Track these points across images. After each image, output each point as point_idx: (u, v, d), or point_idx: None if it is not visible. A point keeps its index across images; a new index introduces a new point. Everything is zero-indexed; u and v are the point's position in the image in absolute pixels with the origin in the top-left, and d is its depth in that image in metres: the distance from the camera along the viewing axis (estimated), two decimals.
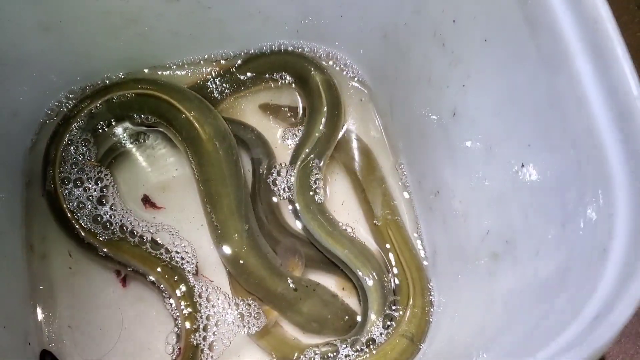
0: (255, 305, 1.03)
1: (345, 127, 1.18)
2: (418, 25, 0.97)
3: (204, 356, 0.99)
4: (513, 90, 0.75)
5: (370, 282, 1.04)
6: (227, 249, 1.04)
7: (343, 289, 1.09)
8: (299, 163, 1.11)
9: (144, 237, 1.06)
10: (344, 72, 1.22)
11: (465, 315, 0.93)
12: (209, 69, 1.20)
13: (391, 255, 1.09)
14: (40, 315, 1.04)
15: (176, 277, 1.02)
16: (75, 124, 1.08)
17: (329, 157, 1.14)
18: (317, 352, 1.00)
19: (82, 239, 1.03)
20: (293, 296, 1.03)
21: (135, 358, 1.04)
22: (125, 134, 1.14)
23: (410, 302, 1.02)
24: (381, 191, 1.14)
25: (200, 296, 1.02)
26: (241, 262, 1.03)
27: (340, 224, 1.10)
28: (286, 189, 1.12)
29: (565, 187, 0.67)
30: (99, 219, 1.05)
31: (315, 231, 1.08)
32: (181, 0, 1.04)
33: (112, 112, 1.11)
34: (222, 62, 1.20)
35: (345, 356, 0.99)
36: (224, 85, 1.18)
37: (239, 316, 1.02)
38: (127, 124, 1.13)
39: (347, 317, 1.06)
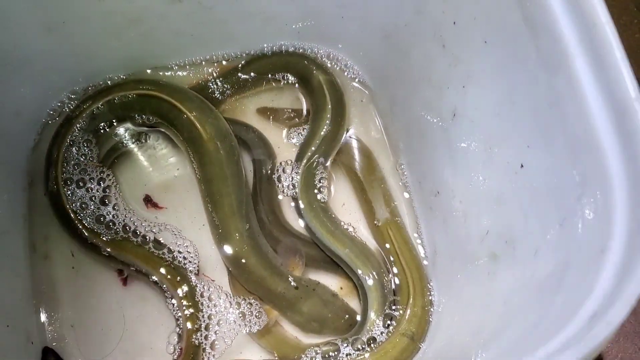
0: (256, 304, 1.03)
1: (348, 126, 1.19)
2: (418, 26, 0.97)
3: (205, 355, 1.00)
4: (513, 91, 0.76)
5: (370, 282, 1.05)
6: (227, 248, 1.05)
7: (341, 288, 1.09)
8: (304, 161, 1.12)
9: (147, 237, 1.06)
10: (345, 73, 1.22)
11: (465, 314, 0.93)
12: (210, 70, 1.20)
13: (391, 255, 1.09)
14: (42, 314, 1.04)
15: (179, 278, 1.03)
16: (77, 125, 1.09)
17: (334, 156, 1.15)
18: (318, 351, 1.00)
19: (85, 239, 1.04)
20: (293, 296, 1.04)
21: (137, 357, 1.04)
22: (126, 134, 1.15)
23: (411, 302, 1.03)
24: (381, 191, 1.15)
25: (202, 295, 1.03)
26: (242, 261, 1.04)
27: (342, 223, 1.11)
28: (290, 186, 1.13)
29: (564, 187, 0.67)
30: (102, 219, 1.06)
31: (317, 229, 1.08)
32: (183, 0, 1.04)
33: (114, 112, 1.11)
34: (224, 62, 1.21)
35: (347, 355, 1.00)
36: (226, 85, 1.19)
37: (240, 315, 1.02)
38: (129, 125, 1.14)
39: (347, 316, 1.06)
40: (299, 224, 1.13)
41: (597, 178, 0.61)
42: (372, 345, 1.00)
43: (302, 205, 1.10)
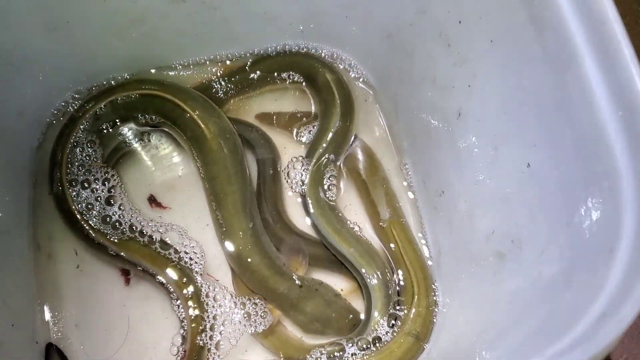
0: (261, 304, 1.03)
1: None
2: (423, 26, 0.97)
3: (210, 355, 1.00)
4: (519, 91, 0.75)
5: (374, 281, 1.05)
6: (231, 247, 1.05)
7: (342, 289, 1.09)
8: (315, 158, 1.12)
9: (153, 237, 1.06)
10: (349, 73, 1.22)
11: (470, 314, 0.93)
12: (214, 69, 1.20)
13: (395, 255, 1.09)
14: (47, 313, 1.04)
15: (185, 279, 1.03)
16: (80, 126, 1.09)
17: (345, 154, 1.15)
18: (323, 351, 1.00)
19: (92, 239, 1.04)
20: (296, 295, 1.03)
21: (141, 357, 1.04)
22: (130, 134, 1.15)
23: (415, 301, 1.03)
24: (384, 191, 1.15)
25: (207, 296, 1.03)
26: (245, 260, 1.04)
27: (349, 222, 1.10)
28: (299, 183, 1.13)
29: (572, 186, 0.67)
30: (108, 219, 1.06)
31: (323, 227, 1.08)
32: (187, 0, 1.04)
33: (117, 113, 1.11)
34: (228, 62, 1.21)
35: (352, 354, 0.99)
36: (229, 85, 1.19)
37: (245, 315, 1.02)
38: (132, 125, 1.14)
39: (350, 316, 1.06)
40: (303, 223, 1.13)
41: (605, 177, 0.61)
42: (377, 344, 1.00)
43: (309, 202, 1.10)
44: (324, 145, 1.13)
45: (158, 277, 1.03)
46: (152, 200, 1.13)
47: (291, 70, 1.19)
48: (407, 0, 0.98)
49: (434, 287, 1.05)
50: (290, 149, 1.19)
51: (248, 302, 1.03)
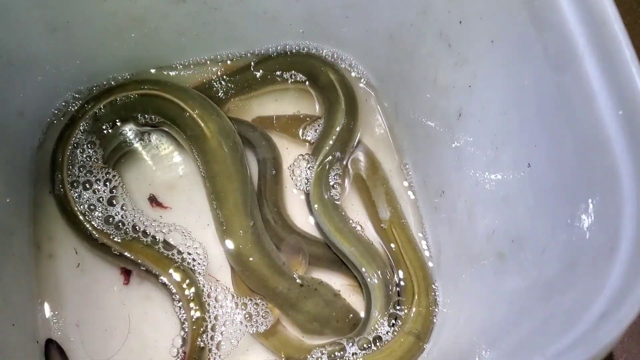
0: (263, 305, 1.03)
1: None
2: (424, 26, 0.97)
3: (211, 356, 1.00)
4: (520, 91, 0.76)
5: (374, 281, 1.05)
6: (231, 245, 1.05)
7: (339, 290, 1.09)
8: (321, 156, 1.12)
9: (157, 238, 1.06)
10: (350, 73, 1.22)
11: (470, 314, 0.93)
12: (215, 69, 1.20)
13: (396, 255, 1.09)
14: (47, 313, 1.04)
15: (187, 280, 1.03)
16: (80, 127, 1.09)
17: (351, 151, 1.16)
18: (323, 351, 1.00)
19: (95, 239, 1.04)
20: (295, 294, 1.04)
21: (141, 356, 1.04)
22: (130, 134, 1.15)
23: (415, 301, 1.03)
24: (384, 190, 1.15)
25: (209, 296, 1.03)
26: (244, 258, 1.04)
27: (351, 221, 1.10)
28: (304, 180, 1.13)
29: (572, 186, 0.68)
30: (110, 219, 1.06)
31: (324, 225, 1.08)
32: (187, 0, 1.05)
33: (116, 113, 1.11)
34: (228, 62, 1.21)
35: (353, 354, 0.99)
36: (230, 85, 1.19)
37: (247, 316, 1.02)
38: (132, 125, 1.14)
39: (351, 315, 1.06)
40: (304, 223, 1.14)
41: (606, 176, 0.61)
42: (377, 344, 1.00)
43: (312, 200, 1.10)
44: (330, 142, 1.13)
45: (161, 277, 1.03)
46: (153, 200, 1.13)
47: (293, 70, 1.19)
48: (408, 0, 0.98)
49: (434, 286, 1.05)
50: (292, 149, 1.19)
51: (249, 302, 1.03)
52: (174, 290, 1.02)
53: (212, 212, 1.09)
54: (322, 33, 1.17)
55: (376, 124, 1.21)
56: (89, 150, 1.09)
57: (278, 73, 1.19)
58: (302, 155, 1.15)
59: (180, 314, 1.02)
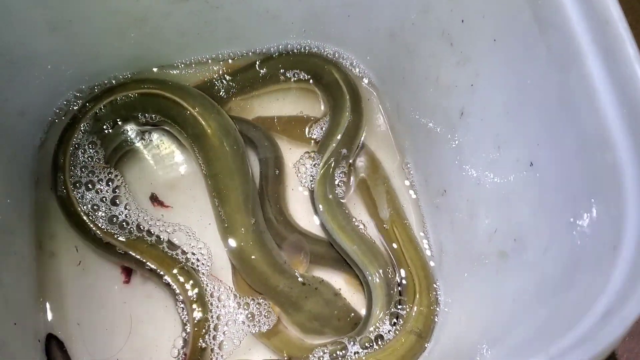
0: (265, 304, 1.03)
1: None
2: (426, 25, 0.97)
3: (214, 355, 1.00)
4: (522, 90, 0.76)
5: (376, 280, 1.05)
6: (233, 243, 1.05)
7: (340, 289, 1.09)
8: (328, 153, 1.12)
9: (161, 237, 1.06)
10: (352, 72, 1.22)
11: (472, 313, 0.93)
12: (216, 68, 1.20)
13: (397, 254, 1.09)
14: (49, 312, 1.04)
15: (191, 281, 1.03)
16: (81, 128, 1.09)
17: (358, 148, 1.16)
18: (325, 350, 1.00)
19: (100, 239, 1.04)
20: (295, 293, 1.04)
21: (142, 355, 1.04)
22: (131, 134, 1.15)
23: (417, 300, 1.03)
24: (385, 189, 1.15)
25: (212, 295, 1.03)
26: (246, 256, 1.04)
27: (354, 220, 1.10)
28: (310, 178, 1.13)
29: (575, 185, 0.68)
30: (114, 219, 1.06)
31: (328, 223, 1.08)
32: None
33: (117, 113, 1.11)
34: (230, 61, 1.21)
35: (355, 353, 0.99)
36: (232, 84, 1.19)
37: (249, 316, 1.02)
38: (132, 125, 1.14)
39: (351, 315, 1.06)
40: (307, 221, 1.13)
41: (608, 175, 0.61)
42: (379, 343, 1.00)
43: (317, 197, 1.10)
44: (337, 139, 1.13)
45: (165, 277, 1.03)
46: (154, 199, 1.13)
47: (297, 69, 1.19)
48: None
49: (435, 286, 1.05)
50: (295, 149, 1.19)
51: (252, 302, 1.03)
52: (178, 291, 1.02)
53: (213, 210, 1.09)
54: (323, 32, 1.17)
55: (377, 123, 1.21)
56: (90, 150, 1.09)
57: (282, 72, 1.19)
58: (307, 152, 1.15)
59: (182, 315, 1.02)
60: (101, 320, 1.05)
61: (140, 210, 1.09)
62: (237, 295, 1.04)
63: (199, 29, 1.13)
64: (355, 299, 1.09)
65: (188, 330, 1.01)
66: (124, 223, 1.06)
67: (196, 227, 1.10)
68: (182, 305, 1.02)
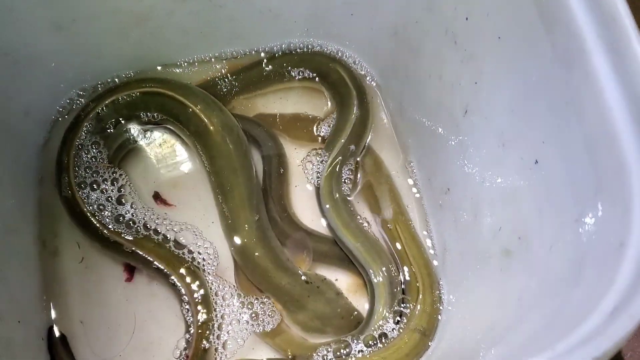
0: (269, 304, 1.03)
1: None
2: (429, 23, 0.97)
3: (217, 355, 0.99)
4: (527, 87, 0.75)
5: (379, 278, 1.05)
6: (236, 239, 1.05)
7: (342, 286, 1.09)
8: (336, 149, 1.12)
9: (168, 236, 1.06)
10: (355, 70, 1.22)
11: (476, 311, 0.93)
12: (219, 67, 1.20)
13: (400, 253, 1.09)
14: (52, 310, 1.04)
15: (197, 282, 1.02)
16: (84, 128, 1.09)
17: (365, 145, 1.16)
18: (329, 349, 1.00)
19: (107, 238, 1.04)
20: (297, 291, 1.03)
21: (146, 353, 1.04)
22: (133, 133, 1.15)
23: (420, 298, 1.03)
24: (388, 188, 1.15)
25: (216, 294, 1.03)
26: (249, 252, 1.04)
27: (359, 218, 1.10)
28: (316, 175, 1.13)
29: (580, 182, 0.67)
30: (121, 218, 1.06)
31: (332, 220, 1.08)
32: None
33: (119, 112, 1.11)
34: (233, 60, 1.21)
35: (359, 351, 0.99)
36: (235, 83, 1.19)
37: (253, 315, 1.02)
38: (135, 124, 1.14)
39: (354, 314, 1.06)
40: (310, 219, 1.13)
41: (614, 172, 0.61)
42: (383, 341, 1.00)
43: (322, 194, 1.10)
44: (346, 135, 1.13)
45: (171, 277, 1.02)
46: (157, 197, 1.13)
47: (302, 67, 1.19)
48: None
49: (439, 284, 1.05)
50: (299, 149, 1.19)
51: (256, 302, 1.03)
52: (183, 292, 1.02)
53: (217, 207, 1.09)
54: (326, 30, 1.17)
55: (381, 122, 1.21)
56: (94, 150, 1.09)
57: (287, 70, 1.19)
58: (315, 149, 1.15)
59: (187, 316, 1.02)
60: (104, 319, 1.05)
61: (146, 209, 1.09)
62: (241, 294, 1.04)
63: (201, 28, 1.13)
64: (358, 298, 1.09)
65: (192, 331, 1.01)
66: (130, 222, 1.06)
67: (199, 225, 1.10)
68: (187, 307, 1.02)
